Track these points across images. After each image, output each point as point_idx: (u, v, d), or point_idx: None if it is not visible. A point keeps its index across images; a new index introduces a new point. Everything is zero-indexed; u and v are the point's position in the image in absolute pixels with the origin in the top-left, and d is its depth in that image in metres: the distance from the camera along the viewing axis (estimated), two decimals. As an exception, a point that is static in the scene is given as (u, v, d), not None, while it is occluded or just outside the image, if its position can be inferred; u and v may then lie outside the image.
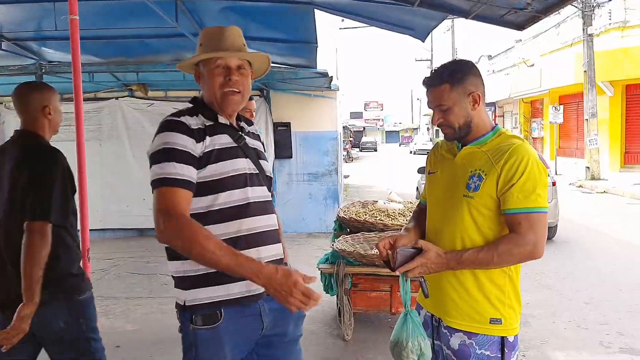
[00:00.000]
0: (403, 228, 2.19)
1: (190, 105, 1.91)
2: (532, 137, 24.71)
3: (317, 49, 5.64)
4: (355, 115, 59.88)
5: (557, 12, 2.86)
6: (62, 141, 8.28)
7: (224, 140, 1.83)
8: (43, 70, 6.21)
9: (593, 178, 16.16)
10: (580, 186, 15.70)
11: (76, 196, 3.14)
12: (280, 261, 1.91)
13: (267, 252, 1.86)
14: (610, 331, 4.66)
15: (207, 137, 1.80)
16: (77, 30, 3.17)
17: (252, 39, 5.40)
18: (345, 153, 25.86)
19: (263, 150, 2.06)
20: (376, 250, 4.13)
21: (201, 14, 4.99)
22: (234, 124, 1.93)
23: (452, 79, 1.85)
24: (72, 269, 2.33)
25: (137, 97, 8.53)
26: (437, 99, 1.88)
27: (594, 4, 16.30)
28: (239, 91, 1.86)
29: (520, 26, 2.95)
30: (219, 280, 1.75)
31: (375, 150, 48.94)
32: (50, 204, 2.13)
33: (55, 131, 2.45)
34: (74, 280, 2.32)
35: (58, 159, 2.25)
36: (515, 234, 1.78)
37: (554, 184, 8.30)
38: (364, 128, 57.99)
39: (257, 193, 1.88)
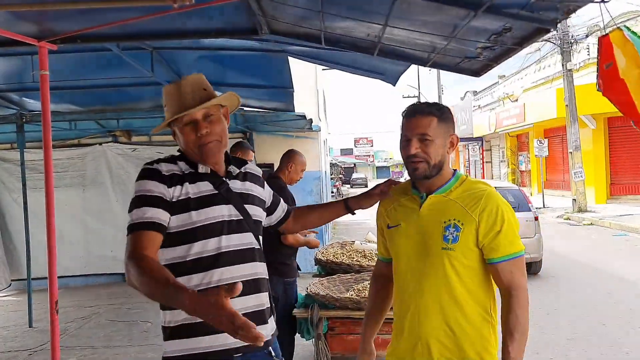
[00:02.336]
0: (366, 315, 2.13)
1: (177, 153, 1.91)
2: (520, 171, 24.98)
3: (293, 93, 5.75)
4: (346, 151, 60.40)
5: (529, 49, 2.93)
6: (41, 188, 8.18)
7: (202, 188, 1.80)
8: (24, 120, 6.27)
9: (580, 210, 16.27)
10: (567, 219, 15.79)
11: (44, 245, 3.19)
12: (260, 312, 1.83)
13: (240, 304, 1.72)
14: (591, 368, 4.64)
15: (186, 184, 1.78)
16: (47, 85, 3.24)
17: (229, 85, 5.52)
18: (335, 190, 25.92)
19: (257, 192, 1.99)
20: (351, 293, 4.14)
21: (177, 63, 5.11)
22: (219, 170, 1.88)
23: (440, 114, 1.82)
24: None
25: (120, 143, 8.59)
26: (422, 128, 1.80)
27: (572, 41, 16.76)
28: (215, 139, 1.82)
29: (476, 72, 3.06)
30: (193, 332, 1.73)
31: (366, 186, 49.07)
32: None
33: (293, 180, 4.08)
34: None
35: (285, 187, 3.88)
36: (512, 289, 1.77)
37: (536, 218, 8.36)
38: (354, 164, 58.32)
39: (235, 241, 1.81)
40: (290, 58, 4.99)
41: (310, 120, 7.45)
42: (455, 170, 1.93)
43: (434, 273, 1.80)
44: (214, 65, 5.16)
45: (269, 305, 1.90)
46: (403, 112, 1.88)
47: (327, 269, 4.77)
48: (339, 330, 4.17)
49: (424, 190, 1.88)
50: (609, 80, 2.41)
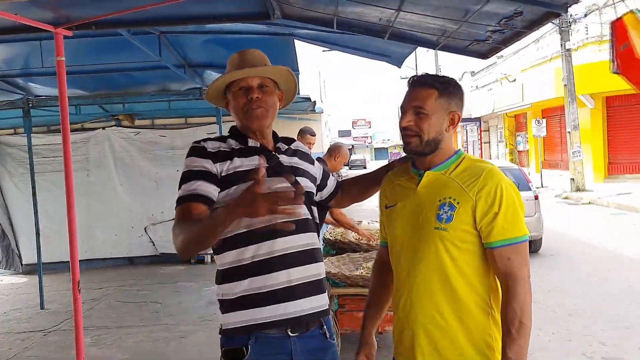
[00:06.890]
0: (367, 306, 1.98)
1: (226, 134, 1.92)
2: (518, 151, 25.07)
3: (299, 76, 5.79)
4: (344, 133, 60.38)
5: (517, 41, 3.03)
6: (49, 172, 8.20)
7: (254, 162, 1.80)
8: (30, 105, 6.31)
9: (578, 189, 16.40)
10: (565, 198, 15.92)
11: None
12: (318, 282, 1.84)
13: (298, 274, 1.78)
14: (592, 342, 4.78)
15: (235, 159, 1.79)
16: (63, 71, 3.30)
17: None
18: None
19: (306, 167, 1.99)
20: (361, 271, 4.25)
21: (184, 47, 5.13)
22: (268, 145, 1.89)
23: (442, 88, 1.69)
24: None
25: (123, 126, 8.62)
26: (419, 100, 1.68)
27: (571, 20, 16.73)
28: (263, 107, 1.82)
29: (484, 55, 3.13)
30: (249, 304, 1.76)
31: (365, 168, 49.25)
32: None
33: (335, 168, 4.78)
34: None
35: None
36: (509, 279, 1.60)
37: (536, 197, 8.47)
38: (352, 146, 58.34)
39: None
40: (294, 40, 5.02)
41: (314, 103, 7.50)
42: (458, 149, 1.79)
43: (427, 255, 1.66)
44: (220, 49, 5.18)
45: (325, 276, 1.92)
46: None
47: (335, 248, 4.89)
48: (349, 308, 4.29)
49: (423, 168, 1.75)
50: (627, 60, 2.48)
